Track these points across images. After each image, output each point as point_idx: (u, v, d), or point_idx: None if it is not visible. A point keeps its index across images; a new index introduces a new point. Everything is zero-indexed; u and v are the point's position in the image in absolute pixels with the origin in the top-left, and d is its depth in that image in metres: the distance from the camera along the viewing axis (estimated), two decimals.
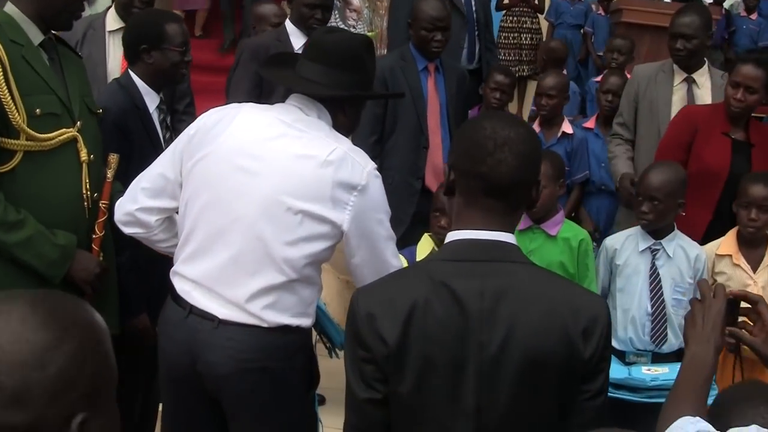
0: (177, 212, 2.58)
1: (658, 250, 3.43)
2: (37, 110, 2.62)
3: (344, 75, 2.48)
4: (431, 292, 1.76)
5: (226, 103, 3.81)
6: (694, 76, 4.15)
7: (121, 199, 2.65)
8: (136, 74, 3.30)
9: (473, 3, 5.58)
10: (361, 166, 2.40)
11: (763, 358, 1.88)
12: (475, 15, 5.59)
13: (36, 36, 2.71)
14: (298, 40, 4.24)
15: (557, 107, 4.79)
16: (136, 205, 2.59)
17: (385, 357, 1.77)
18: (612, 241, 3.56)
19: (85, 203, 2.78)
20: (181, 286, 2.48)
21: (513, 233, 1.84)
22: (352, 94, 2.53)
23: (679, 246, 3.43)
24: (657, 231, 3.43)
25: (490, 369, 1.74)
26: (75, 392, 1.15)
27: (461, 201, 1.84)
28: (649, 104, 4.18)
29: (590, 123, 5.05)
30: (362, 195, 2.38)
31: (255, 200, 2.37)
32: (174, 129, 3.83)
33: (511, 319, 1.73)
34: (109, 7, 4.60)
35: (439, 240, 3.31)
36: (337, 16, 10.59)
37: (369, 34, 7.66)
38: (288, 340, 2.43)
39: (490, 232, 1.79)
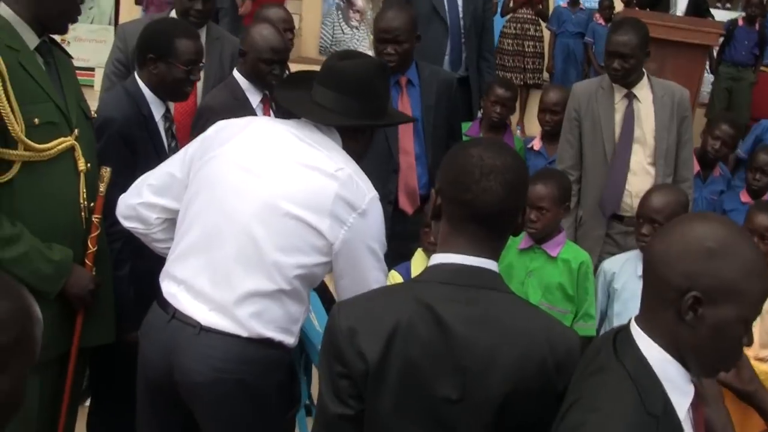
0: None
1: None
2: (36, 119, 2.58)
3: (356, 102, 2.50)
4: (416, 313, 1.77)
5: None
6: (634, 90, 4.05)
7: (124, 194, 2.66)
8: (142, 80, 3.27)
9: (460, 8, 5.48)
10: (364, 191, 2.42)
11: (738, 393, 1.96)
12: (462, 21, 5.50)
13: (32, 40, 2.66)
14: (254, 97, 3.80)
15: (561, 122, 4.75)
16: (139, 199, 2.62)
17: (363, 374, 1.77)
18: (610, 264, 3.55)
19: (82, 213, 2.76)
20: (167, 288, 2.49)
21: (497, 260, 1.86)
22: (362, 123, 2.55)
23: None
24: None
25: (469, 395, 1.75)
26: None
27: (447, 226, 1.86)
28: (592, 123, 4.08)
29: None
30: (361, 218, 2.39)
31: (253, 201, 2.39)
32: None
33: (493, 349, 1.75)
34: None
35: (429, 255, 3.28)
36: (340, 16, 10.61)
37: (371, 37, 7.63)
38: (268, 355, 2.42)
39: (476, 258, 1.82)
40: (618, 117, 4.05)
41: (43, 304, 1.65)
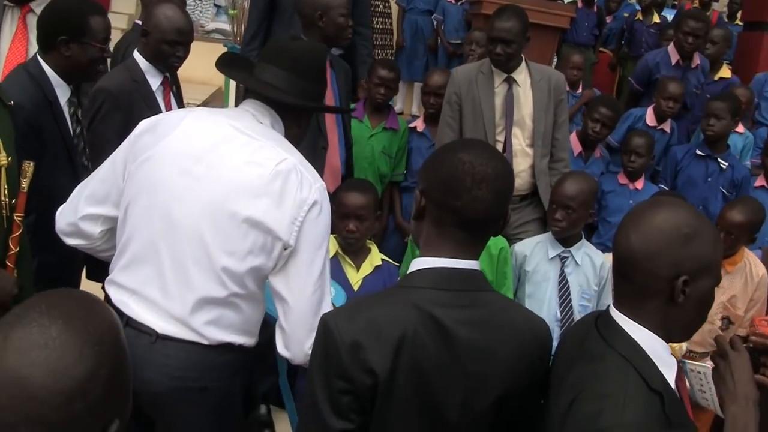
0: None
1: (567, 257, 3.54)
2: None
3: (308, 84, 2.43)
4: (419, 322, 1.74)
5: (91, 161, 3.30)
6: (514, 75, 4.14)
7: (62, 207, 2.47)
8: (48, 64, 3.03)
9: None
10: (309, 182, 2.30)
11: None
12: None
13: None
14: (154, 80, 3.60)
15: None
16: (79, 214, 2.43)
17: (370, 388, 1.72)
18: (521, 247, 3.64)
19: (3, 211, 2.53)
20: (117, 295, 2.32)
21: (478, 260, 1.87)
22: (319, 105, 2.48)
23: (586, 254, 3.56)
24: (566, 239, 3.54)
25: (474, 397, 1.77)
26: (110, 405, 1.23)
27: (432, 229, 1.84)
28: (473, 107, 4.17)
29: None
30: (312, 212, 2.28)
31: (198, 205, 2.25)
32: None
33: (493, 350, 1.77)
34: None
35: (345, 243, 3.27)
36: None
37: (231, 12, 7.41)
38: (229, 359, 2.32)
39: (463, 261, 1.82)
40: (498, 101, 4.14)
41: None
